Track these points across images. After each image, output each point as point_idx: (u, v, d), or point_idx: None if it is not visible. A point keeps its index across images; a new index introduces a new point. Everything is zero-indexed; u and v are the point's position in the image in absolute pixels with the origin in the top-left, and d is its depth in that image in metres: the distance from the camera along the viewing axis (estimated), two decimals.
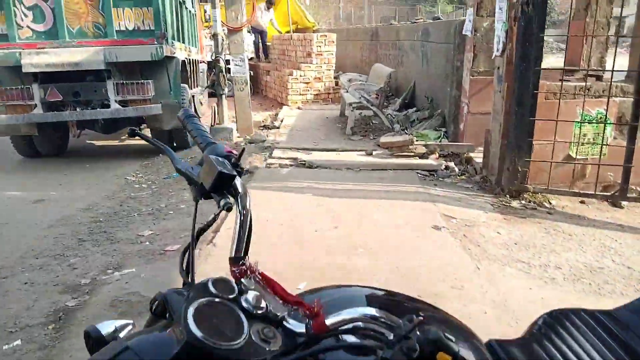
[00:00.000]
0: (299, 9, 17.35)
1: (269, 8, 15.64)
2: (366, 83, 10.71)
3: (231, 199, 1.08)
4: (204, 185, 1.09)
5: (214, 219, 1.23)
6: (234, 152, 1.18)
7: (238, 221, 1.06)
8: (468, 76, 6.87)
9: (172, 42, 7.70)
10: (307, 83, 12.55)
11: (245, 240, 1.04)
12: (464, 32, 6.93)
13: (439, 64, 8.27)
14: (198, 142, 1.28)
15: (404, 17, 25.34)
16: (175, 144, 8.11)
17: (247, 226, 1.06)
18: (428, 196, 5.37)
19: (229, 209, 1.06)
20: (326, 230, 4.53)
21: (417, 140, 7.19)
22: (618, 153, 5.22)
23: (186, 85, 8.28)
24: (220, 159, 1.09)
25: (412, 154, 6.82)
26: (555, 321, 1.47)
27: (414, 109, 9.26)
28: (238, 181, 1.10)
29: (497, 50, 5.56)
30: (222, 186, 1.08)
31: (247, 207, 1.08)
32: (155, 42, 7.19)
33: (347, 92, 10.23)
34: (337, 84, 12.74)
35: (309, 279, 3.53)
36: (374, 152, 7.05)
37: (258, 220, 4.28)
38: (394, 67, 10.78)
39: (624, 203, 5.30)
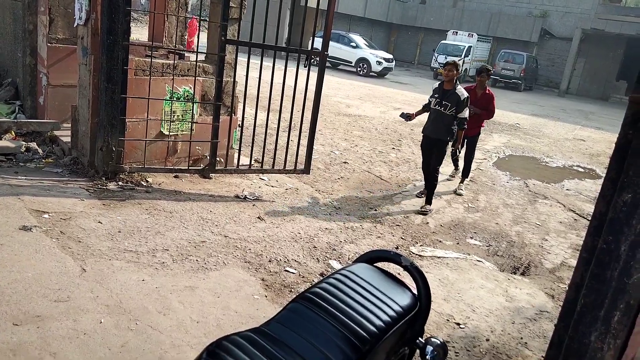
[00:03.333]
0: None
1: None
2: None
3: None
4: None
5: None
6: None
7: None
8: (45, 43, 6.00)
9: None
10: None
11: None
12: None
13: (6, 24, 6.95)
14: None
15: None
16: None
17: None
18: (9, 188, 4.47)
19: None
20: None
21: None
22: (204, 128, 5.60)
23: None
24: None
25: None
26: (214, 358, 1.37)
27: None
28: None
29: (80, 18, 5.01)
30: None
31: None
32: None
33: None
34: None
35: None
36: None
37: None
38: None
39: (211, 174, 5.77)
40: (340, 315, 1.65)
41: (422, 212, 5.84)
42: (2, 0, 7.05)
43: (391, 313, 1.74)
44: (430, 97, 5.99)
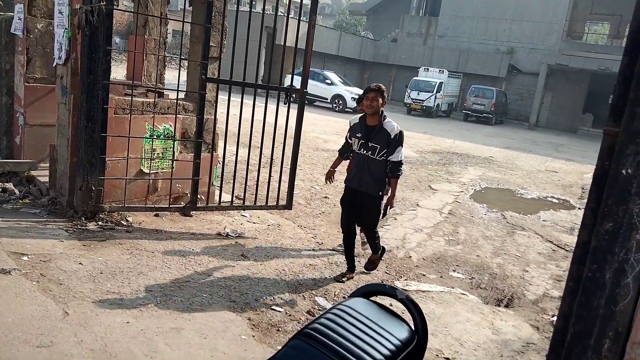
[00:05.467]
0: None
1: None
2: None
3: None
4: None
5: None
6: None
7: None
8: (22, 82, 5.96)
9: None
10: None
11: None
12: (12, 31, 5.97)
13: None
14: None
15: None
16: None
17: None
18: None
19: None
20: None
21: None
22: (184, 165, 5.59)
23: None
24: None
25: None
26: None
27: None
28: None
29: (60, 58, 5.02)
30: None
31: None
32: None
33: None
34: None
35: None
36: None
37: None
38: None
39: (193, 212, 5.72)
40: (342, 351, 1.65)
41: (339, 279, 4.62)
42: None
43: (390, 347, 1.74)
44: (350, 136, 4.67)
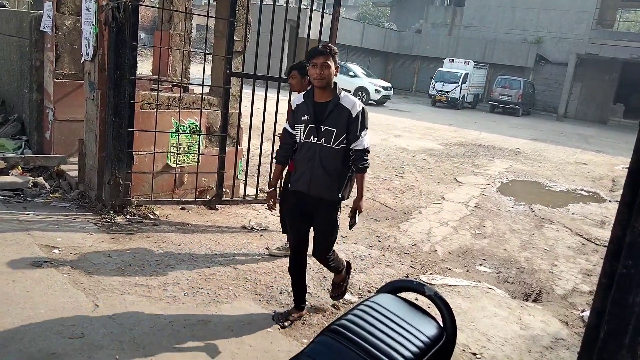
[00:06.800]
0: None
1: None
2: None
3: None
4: None
5: None
6: None
7: None
8: (51, 78, 6.08)
9: None
10: None
11: None
12: (42, 28, 6.09)
13: (12, 60, 7.05)
14: None
15: None
16: None
17: None
18: (18, 224, 4.47)
19: None
20: None
21: None
22: (210, 159, 5.63)
23: None
24: None
25: None
26: None
27: None
28: None
29: (87, 54, 5.09)
30: None
31: None
32: None
33: None
34: None
35: None
36: None
37: None
38: None
39: (218, 205, 5.76)
40: (370, 347, 1.64)
41: (280, 321, 3.51)
42: (9, 38, 7.17)
43: (419, 344, 1.73)
44: (292, 123, 3.36)
